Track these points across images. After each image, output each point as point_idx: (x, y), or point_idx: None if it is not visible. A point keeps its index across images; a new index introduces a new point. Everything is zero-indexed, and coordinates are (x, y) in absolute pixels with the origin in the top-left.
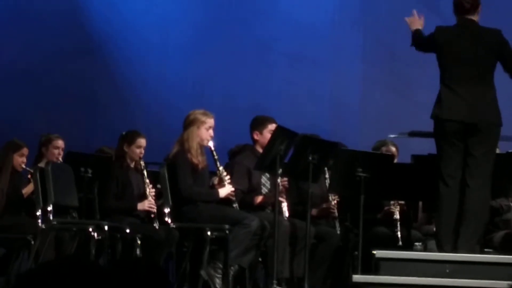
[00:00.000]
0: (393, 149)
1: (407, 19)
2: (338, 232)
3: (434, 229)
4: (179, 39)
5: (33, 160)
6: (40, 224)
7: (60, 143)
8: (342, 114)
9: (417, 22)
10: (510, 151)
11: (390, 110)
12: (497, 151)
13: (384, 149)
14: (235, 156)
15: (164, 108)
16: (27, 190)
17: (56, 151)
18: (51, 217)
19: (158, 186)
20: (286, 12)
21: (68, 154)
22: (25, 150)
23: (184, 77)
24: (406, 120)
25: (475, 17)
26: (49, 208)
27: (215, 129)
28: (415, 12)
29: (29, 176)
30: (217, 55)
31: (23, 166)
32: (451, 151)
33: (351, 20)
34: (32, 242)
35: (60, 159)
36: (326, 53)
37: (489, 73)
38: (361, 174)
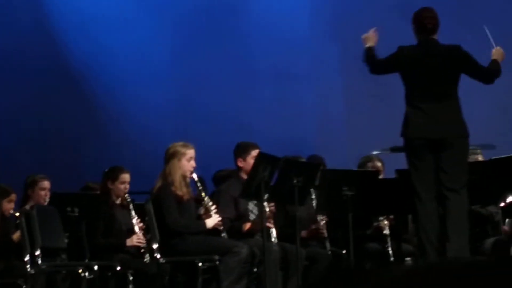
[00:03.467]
0: (379, 164)
1: (362, 37)
2: (329, 252)
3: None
4: (157, 66)
5: (19, 202)
6: (29, 269)
7: (46, 183)
8: (328, 127)
9: (371, 40)
10: (493, 158)
11: (375, 119)
12: (481, 158)
13: (370, 164)
14: (221, 182)
15: (147, 136)
16: (17, 235)
17: (42, 193)
18: (39, 261)
19: (147, 218)
20: (262, 29)
21: (54, 195)
22: (13, 196)
23: (166, 104)
24: (392, 128)
25: (436, 36)
26: (37, 252)
27: (201, 154)
28: (372, 30)
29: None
30: (197, 78)
31: (11, 211)
32: (423, 167)
33: (328, 33)
34: (24, 287)
35: (47, 199)
36: (306, 68)
37: (453, 88)
38: (347, 192)
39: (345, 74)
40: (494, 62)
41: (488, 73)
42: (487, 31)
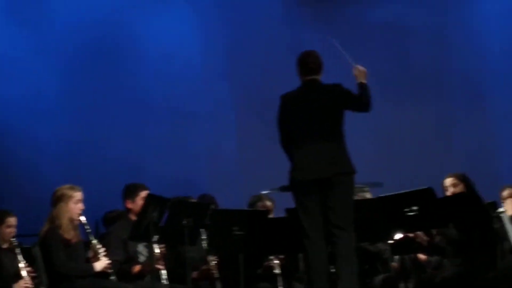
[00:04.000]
0: (269, 203)
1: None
2: None
3: None
4: (46, 103)
5: None
6: None
7: None
8: (220, 166)
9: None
10: (381, 195)
11: (267, 157)
12: (369, 196)
13: (259, 204)
14: (111, 223)
15: (37, 176)
16: None
17: None
18: None
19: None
20: (155, 66)
21: None
22: (11, 220)
23: (56, 143)
24: (283, 166)
25: (318, 76)
26: None
27: (91, 195)
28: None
29: None
30: (90, 118)
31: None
32: (310, 206)
33: (221, 71)
34: None
35: None
36: (199, 106)
37: (337, 126)
38: (237, 232)
39: (238, 113)
40: (361, 85)
41: (363, 102)
42: (339, 47)
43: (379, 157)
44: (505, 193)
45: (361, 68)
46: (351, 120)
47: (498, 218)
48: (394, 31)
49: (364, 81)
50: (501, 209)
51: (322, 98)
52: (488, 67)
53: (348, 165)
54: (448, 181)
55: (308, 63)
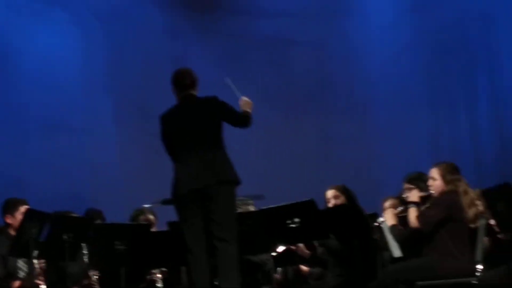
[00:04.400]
0: (151, 217)
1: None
2: None
3: None
4: None
5: None
6: None
7: None
8: (103, 180)
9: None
10: (264, 208)
11: (149, 171)
12: (252, 208)
13: (142, 217)
14: None
15: None
16: None
17: None
18: None
19: None
20: (35, 80)
21: None
22: None
23: None
24: (166, 179)
25: (194, 91)
26: None
27: None
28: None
29: None
30: None
31: None
32: (192, 219)
33: (101, 84)
34: None
35: None
36: (80, 119)
37: (217, 137)
38: (119, 246)
39: (119, 125)
40: (245, 112)
41: (242, 119)
42: (230, 83)
43: (262, 169)
44: (386, 203)
45: (247, 99)
46: (234, 131)
47: (378, 228)
48: (278, 43)
49: (249, 110)
50: (381, 219)
51: (199, 111)
52: (369, 80)
53: (229, 174)
54: (330, 193)
55: (182, 80)
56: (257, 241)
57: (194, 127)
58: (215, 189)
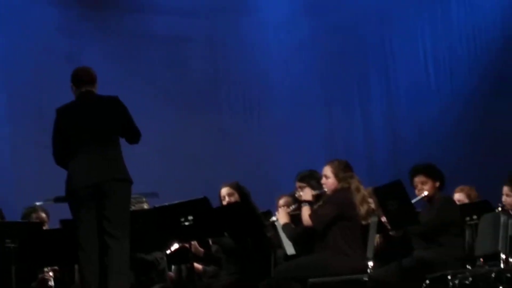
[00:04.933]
0: (43, 215)
1: None
2: None
3: None
4: None
5: None
6: None
7: None
8: None
9: None
10: (157, 206)
11: (42, 166)
12: (146, 206)
13: (34, 215)
14: None
15: None
16: None
17: None
18: None
19: None
20: None
21: None
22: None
23: None
24: (60, 176)
25: (94, 88)
26: None
27: None
28: None
29: None
30: None
31: None
32: (85, 217)
33: None
34: None
35: None
36: None
37: (114, 135)
38: (10, 244)
39: (13, 123)
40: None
41: (137, 132)
42: None
43: (156, 166)
44: (280, 201)
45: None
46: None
47: (272, 226)
48: (173, 41)
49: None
50: (274, 218)
51: (99, 109)
52: (264, 78)
53: (124, 172)
54: (224, 190)
55: (81, 77)
56: (151, 239)
57: (94, 124)
58: (111, 186)
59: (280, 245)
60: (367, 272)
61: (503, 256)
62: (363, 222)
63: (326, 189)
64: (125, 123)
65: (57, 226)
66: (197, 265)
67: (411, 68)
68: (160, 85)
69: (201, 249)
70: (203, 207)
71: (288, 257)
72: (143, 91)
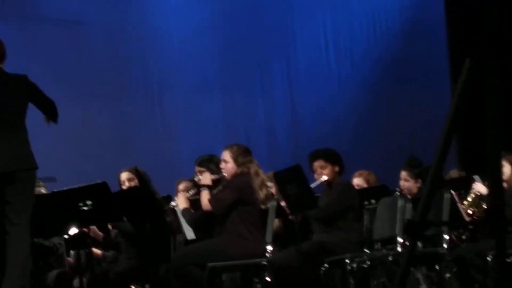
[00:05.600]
0: None
1: None
2: None
3: None
4: None
5: None
6: None
7: None
8: None
9: None
10: (55, 190)
11: None
12: (43, 191)
13: None
14: None
15: None
16: None
17: None
18: None
19: None
20: None
21: None
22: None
23: None
24: None
25: (2, 65)
26: None
27: None
28: None
29: None
30: None
31: None
32: None
33: None
34: None
35: None
36: None
37: (21, 118)
38: None
39: None
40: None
41: (54, 107)
42: None
43: (54, 151)
44: (180, 186)
45: None
46: (28, 112)
47: (172, 211)
48: (71, 25)
49: None
50: (173, 203)
51: (6, 89)
52: (164, 63)
53: (31, 160)
54: (123, 175)
55: None
56: (49, 224)
57: (1, 103)
58: (19, 175)
59: (180, 230)
60: (265, 256)
61: (400, 239)
62: (263, 207)
63: (225, 174)
64: (38, 98)
65: None
66: (96, 250)
67: (312, 54)
68: (57, 71)
69: (101, 234)
70: (102, 192)
71: (188, 242)
72: (42, 77)
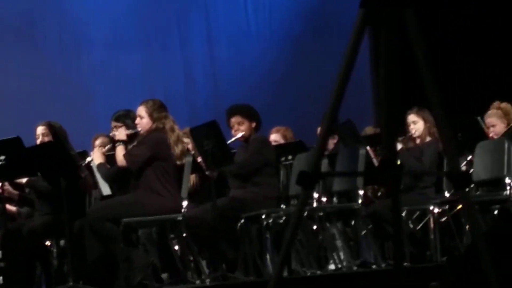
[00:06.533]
0: None
1: None
2: None
3: None
4: None
5: None
6: None
7: None
8: None
9: None
10: None
11: None
12: None
13: None
14: None
15: None
16: None
17: None
18: None
19: None
20: None
21: None
22: None
23: None
24: None
25: None
26: None
27: None
28: None
29: None
30: None
31: None
32: None
33: None
34: None
35: None
36: None
37: None
38: None
39: None
40: None
41: None
42: None
43: None
44: (96, 142)
45: None
46: None
47: (88, 167)
48: None
49: None
50: (89, 158)
51: None
52: (81, 18)
53: None
54: (39, 130)
55: None
56: None
57: None
58: None
59: (96, 185)
60: (181, 211)
61: (315, 195)
62: (178, 162)
63: (140, 129)
64: None
65: None
66: (10, 207)
67: (231, 12)
68: None
69: (15, 192)
70: (15, 147)
71: (104, 198)
72: None
